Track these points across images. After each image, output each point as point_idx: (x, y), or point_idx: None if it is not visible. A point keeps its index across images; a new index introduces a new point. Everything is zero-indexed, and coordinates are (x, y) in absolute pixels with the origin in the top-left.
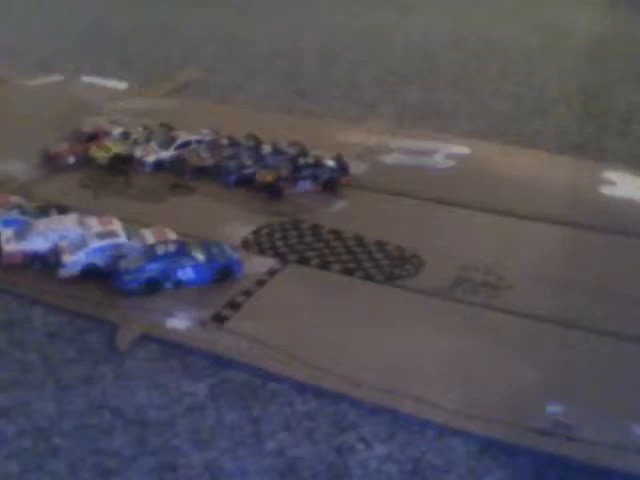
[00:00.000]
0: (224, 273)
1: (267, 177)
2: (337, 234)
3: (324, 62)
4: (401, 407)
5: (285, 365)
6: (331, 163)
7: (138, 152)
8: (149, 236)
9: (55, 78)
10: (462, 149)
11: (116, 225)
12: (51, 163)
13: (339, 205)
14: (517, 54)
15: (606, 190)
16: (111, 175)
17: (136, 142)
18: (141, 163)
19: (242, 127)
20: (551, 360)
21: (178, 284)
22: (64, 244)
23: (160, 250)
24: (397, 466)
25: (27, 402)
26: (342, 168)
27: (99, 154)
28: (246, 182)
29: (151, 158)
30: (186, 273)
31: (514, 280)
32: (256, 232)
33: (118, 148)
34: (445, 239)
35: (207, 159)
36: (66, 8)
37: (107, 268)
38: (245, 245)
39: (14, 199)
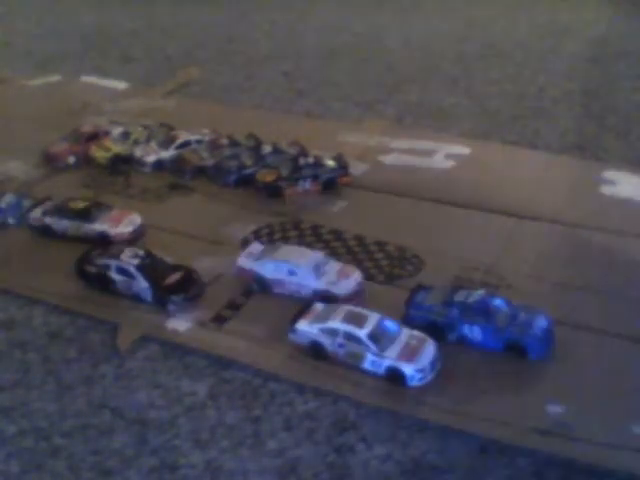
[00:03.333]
0: (516, 349)
1: (267, 177)
2: (337, 234)
3: (324, 62)
4: (402, 408)
5: (285, 365)
6: (331, 163)
7: (138, 152)
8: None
9: (55, 78)
10: (462, 149)
11: (356, 274)
12: (51, 163)
13: (339, 205)
14: (517, 54)
15: (606, 190)
16: (111, 175)
17: (136, 142)
18: (141, 163)
19: (242, 127)
20: (551, 360)
21: (461, 339)
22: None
23: (459, 296)
24: (397, 466)
25: (28, 402)
26: (342, 168)
27: (99, 154)
28: (246, 182)
29: (151, 158)
30: (473, 331)
31: (514, 280)
32: (256, 232)
33: (118, 148)
34: (445, 239)
35: (207, 159)
36: (67, 9)
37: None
38: (246, 245)
39: None
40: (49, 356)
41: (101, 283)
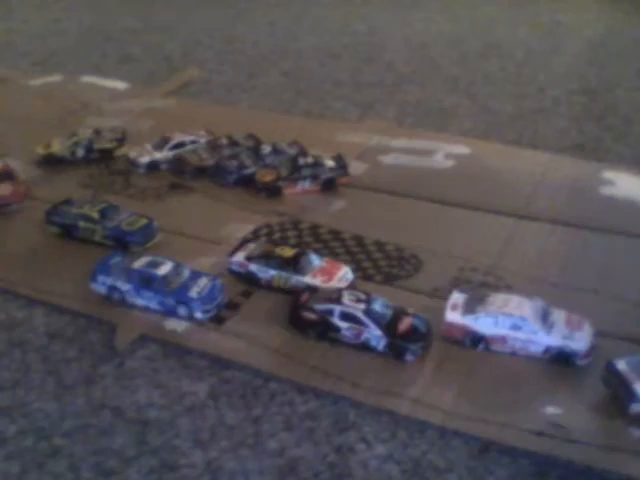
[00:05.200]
0: None
1: (267, 177)
2: (336, 234)
3: (324, 62)
4: (400, 409)
5: (284, 366)
6: (331, 163)
7: (132, 153)
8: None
9: (55, 78)
10: (462, 149)
11: (586, 324)
12: None
13: (338, 205)
14: (517, 54)
15: (606, 190)
16: (111, 175)
17: (77, 144)
18: (135, 164)
19: (242, 127)
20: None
21: None
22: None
23: None
24: (398, 466)
25: (28, 402)
26: (341, 168)
27: (39, 150)
28: (246, 182)
29: (145, 159)
30: None
31: (513, 280)
32: (255, 232)
33: (56, 148)
34: (444, 239)
35: (207, 159)
36: (66, 8)
37: None
38: (245, 245)
39: None
40: (49, 356)
41: (321, 330)
